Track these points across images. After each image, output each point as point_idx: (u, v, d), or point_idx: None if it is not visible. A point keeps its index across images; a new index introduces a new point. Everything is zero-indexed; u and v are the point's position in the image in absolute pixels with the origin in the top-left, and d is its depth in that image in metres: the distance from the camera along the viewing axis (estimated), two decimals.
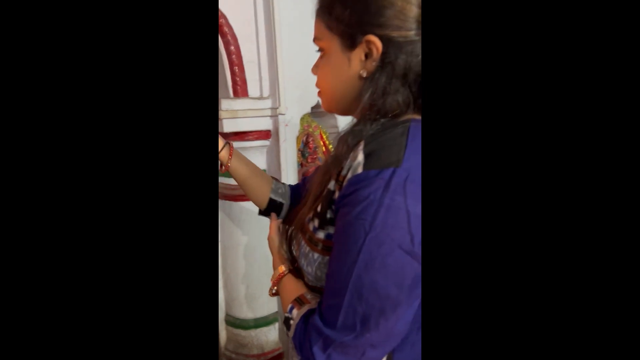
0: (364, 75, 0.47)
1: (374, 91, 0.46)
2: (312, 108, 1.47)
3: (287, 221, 0.69)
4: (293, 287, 0.54)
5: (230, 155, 0.72)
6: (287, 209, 0.77)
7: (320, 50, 0.52)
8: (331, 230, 0.46)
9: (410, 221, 0.39)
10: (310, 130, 1.59)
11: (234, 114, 1.25)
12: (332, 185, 0.47)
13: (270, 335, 1.53)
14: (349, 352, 0.42)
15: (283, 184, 0.80)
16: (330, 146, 1.67)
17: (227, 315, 1.55)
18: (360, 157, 0.42)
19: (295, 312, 0.50)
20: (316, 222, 0.49)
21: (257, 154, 1.39)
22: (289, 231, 0.60)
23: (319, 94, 0.55)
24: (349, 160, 0.44)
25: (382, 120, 0.46)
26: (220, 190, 1.43)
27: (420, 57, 0.45)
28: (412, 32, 0.44)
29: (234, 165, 0.72)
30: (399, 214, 0.39)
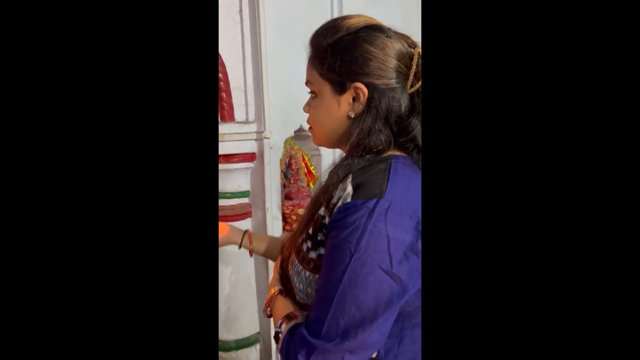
0: (352, 116, 0.54)
1: (361, 130, 0.52)
2: (295, 132, 1.53)
3: (280, 251, 0.74)
4: (283, 306, 0.59)
5: (250, 242, 0.81)
6: None
7: (311, 92, 0.58)
8: (322, 250, 0.51)
9: (390, 245, 0.44)
10: (293, 152, 1.65)
11: (221, 138, 1.29)
12: (322, 211, 0.52)
13: (252, 357, 1.53)
14: (328, 358, 0.47)
15: None
16: (312, 168, 1.73)
17: None
18: (350, 188, 0.48)
19: (284, 326, 0.54)
20: (309, 244, 0.54)
21: (241, 176, 1.42)
22: (282, 257, 0.65)
23: (310, 129, 0.61)
24: (338, 191, 0.50)
25: (368, 156, 0.52)
26: None
27: (399, 102, 0.52)
28: (393, 81, 0.52)
29: (256, 247, 0.82)
30: (380, 239, 0.44)
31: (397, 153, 0.53)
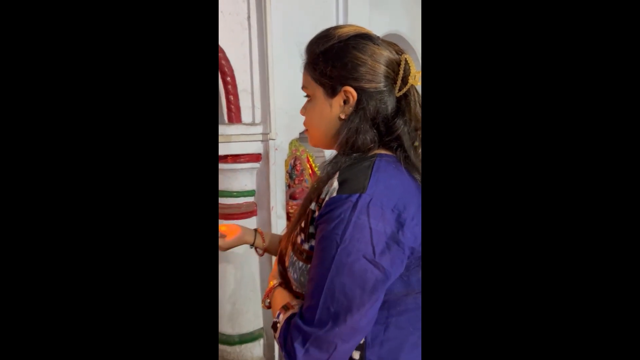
0: (343, 117, 0.58)
1: (349, 130, 0.57)
2: (300, 134, 1.58)
3: (278, 245, 0.78)
4: (282, 297, 0.63)
5: (263, 239, 0.84)
6: None
7: (307, 96, 0.63)
8: (313, 242, 0.55)
9: (373, 236, 0.48)
10: (298, 154, 1.70)
11: (228, 139, 1.34)
12: (313, 206, 0.56)
13: (255, 351, 1.57)
14: (322, 346, 0.50)
15: None
16: (316, 169, 1.78)
17: None
18: (335, 184, 0.52)
19: (281, 316, 0.58)
20: (302, 236, 0.58)
21: (247, 175, 1.48)
22: (280, 250, 0.70)
23: (306, 131, 0.66)
24: (326, 186, 0.54)
25: (355, 154, 0.56)
26: None
27: (386, 104, 0.56)
28: (381, 84, 0.56)
29: (268, 246, 0.84)
30: (364, 230, 0.48)
31: (383, 152, 0.57)
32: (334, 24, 0.65)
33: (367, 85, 0.56)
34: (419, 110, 0.58)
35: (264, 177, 1.47)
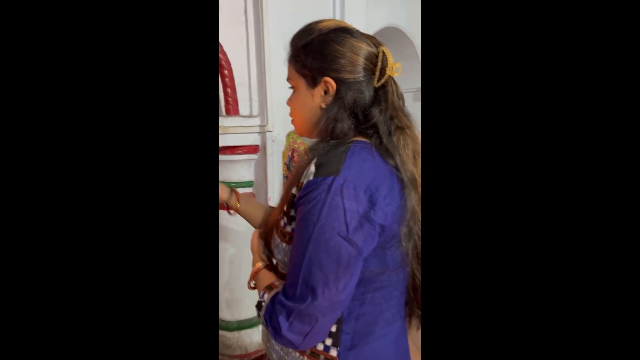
0: (323, 106, 0.61)
1: (328, 118, 0.60)
2: None
3: (264, 227, 0.81)
4: (266, 278, 0.66)
5: (238, 200, 0.86)
6: None
7: (291, 87, 0.66)
8: (294, 225, 0.59)
9: (346, 215, 0.52)
10: (296, 146, 1.73)
11: (225, 130, 1.38)
12: (294, 190, 0.59)
13: (254, 337, 1.62)
14: (305, 320, 0.54)
15: None
16: None
17: None
18: (312, 168, 0.55)
19: (266, 295, 0.61)
20: (285, 219, 0.61)
21: (245, 167, 1.52)
22: (266, 233, 0.73)
23: (292, 121, 0.69)
24: (305, 170, 0.58)
25: (332, 141, 0.60)
26: None
27: (364, 94, 0.59)
28: (359, 75, 0.59)
29: (242, 207, 0.86)
30: (338, 210, 0.52)
31: (359, 139, 0.60)
32: (331, 18, 0.67)
33: (346, 76, 0.59)
34: (395, 99, 0.61)
35: (261, 168, 1.51)
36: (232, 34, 1.36)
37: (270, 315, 0.57)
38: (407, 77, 2.31)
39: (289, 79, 0.66)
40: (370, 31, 1.78)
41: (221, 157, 1.45)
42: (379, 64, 0.59)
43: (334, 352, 0.59)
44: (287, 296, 0.55)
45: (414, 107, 2.20)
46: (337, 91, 0.59)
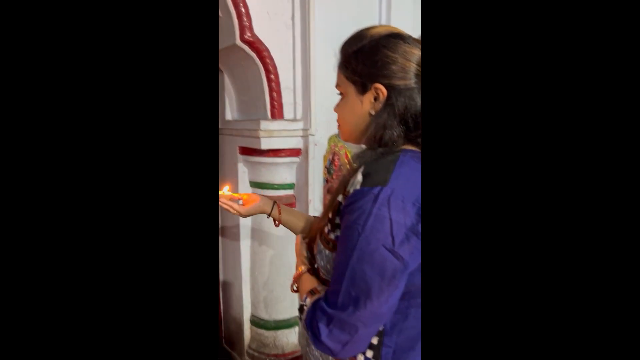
0: (372, 113, 0.61)
1: (377, 125, 0.59)
2: None
3: (308, 233, 0.83)
4: (309, 282, 0.67)
5: (279, 212, 0.90)
6: None
7: (340, 94, 0.66)
8: (339, 232, 0.59)
9: (393, 227, 0.51)
10: (337, 149, 1.73)
11: (270, 134, 1.41)
12: (340, 197, 0.59)
13: (291, 338, 1.64)
14: (345, 328, 0.53)
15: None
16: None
17: (252, 315, 1.68)
18: (359, 177, 0.55)
19: (308, 300, 0.62)
20: (329, 226, 0.62)
21: (287, 169, 1.54)
22: (309, 238, 0.74)
23: (339, 127, 0.69)
24: (352, 179, 0.57)
25: (380, 149, 0.59)
26: None
27: (415, 100, 0.58)
28: (411, 82, 0.58)
29: (284, 218, 0.90)
30: (384, 221, 0.51)
31: (409, 147, 0.59)
32: (376, 23, 0.67)
33: (397, 83, 0.58)
34: None
35: (303, 171, 1.53)
36: (279, 39, 1.39)
37: (310, 320, 0.58)
38: None
39: (337, 86, 0.66)
40: (417, 34, 1.75)
41: (265, 159, 1.48)
42: None
43: None
44: (329, 303, 0.55)
45: None
46: (388, 97, 0.59)
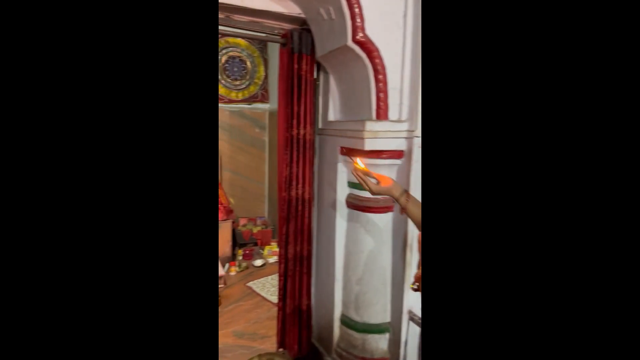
0: None
1: None
2: None
3: None
4: None
5: (408, 199, 0.93)
6: None
7: None
8: None
9: None
10: None
11: (374, 134, 1.40)
12: None
13: (381, 344, 1.61)
14: None
15: None
16: None
17: (343, 315, 1.69)
18: None
19: None
20: None
21: (387, 172, 1.51)
22: None
23: None
24: None
25: None
26: (349, 200, 1.60)
27: None
28: None
29: (410, 209, 0.93)
30: None
31: None
32: None
33: None
34: None
35: (404, 173, 1.48)
36: (389, 39, 1.37)
37: None
38: None
39: None
40: None
41: (367, 160, 1.47)
42: None
43: None
44: None
45: None
46: None
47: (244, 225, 3.51)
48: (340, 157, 1.61)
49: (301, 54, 1.57)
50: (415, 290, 0.73)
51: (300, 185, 1.67)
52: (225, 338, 2.01)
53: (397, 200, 0.92)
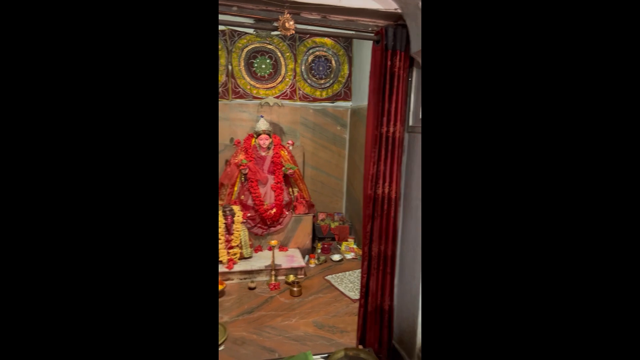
0: None
1: None
2: None
3: None
4: None
5: None
6: None
7: None
8: None
9: None
10: None
11: None
12: None
13: None
14: None
15: None
16: None
17: None
18: None
19: None
20: None
21: None
22: None
23: None
24: None
25: None
26: None
27: None
28: None
29: None
30: None
31: None
32: None
33: None
34: None
35: None
36: None
37: None
38: None
39: None
40: None
41: None
42: None
43: None
44: None
45: None
46: None
47: (323, 220, 3.59)
48: None
49: (395, 50, 1.55)
50: None
51: (387, 184, 1.65)
52: (306, 327, 2.09)
53: None
